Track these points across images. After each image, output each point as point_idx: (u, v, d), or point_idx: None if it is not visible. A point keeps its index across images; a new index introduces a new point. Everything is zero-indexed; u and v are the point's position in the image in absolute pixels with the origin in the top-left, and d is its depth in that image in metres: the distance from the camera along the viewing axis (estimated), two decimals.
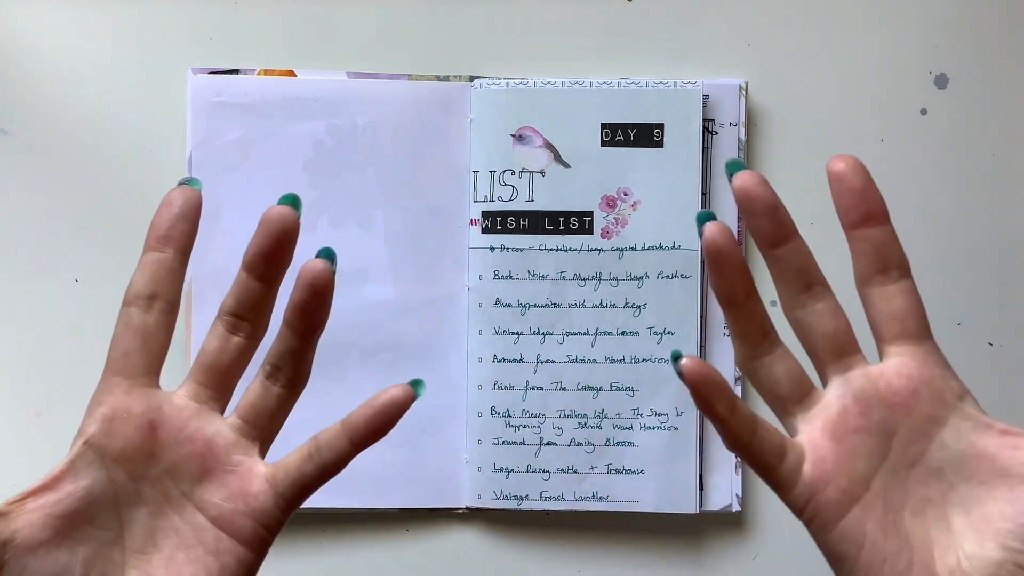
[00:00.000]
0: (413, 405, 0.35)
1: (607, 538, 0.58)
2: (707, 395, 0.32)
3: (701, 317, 0.57)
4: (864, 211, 0.33)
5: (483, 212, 0.57)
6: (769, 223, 0.33)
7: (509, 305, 0.57)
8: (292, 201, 0.34)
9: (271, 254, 0.34)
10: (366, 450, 0.35)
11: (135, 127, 0.58)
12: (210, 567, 0.33)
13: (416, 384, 0.35)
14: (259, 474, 0.35)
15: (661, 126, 0.57)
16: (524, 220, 0.57)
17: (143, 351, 0.34)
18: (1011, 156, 0.59)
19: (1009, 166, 0.59)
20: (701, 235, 0.33)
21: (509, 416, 0.57)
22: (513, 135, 0.57)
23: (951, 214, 0.58)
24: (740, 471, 0.57)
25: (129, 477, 0.33)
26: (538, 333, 0.57)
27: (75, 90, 0.58)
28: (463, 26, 0.58)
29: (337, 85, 0.57)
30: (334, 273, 0.34)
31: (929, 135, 0.58)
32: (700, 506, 0.57)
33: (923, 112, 0.58)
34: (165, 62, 0.58)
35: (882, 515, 0.32)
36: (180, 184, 0.35)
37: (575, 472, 0.57)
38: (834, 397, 0.33)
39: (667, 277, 0.57)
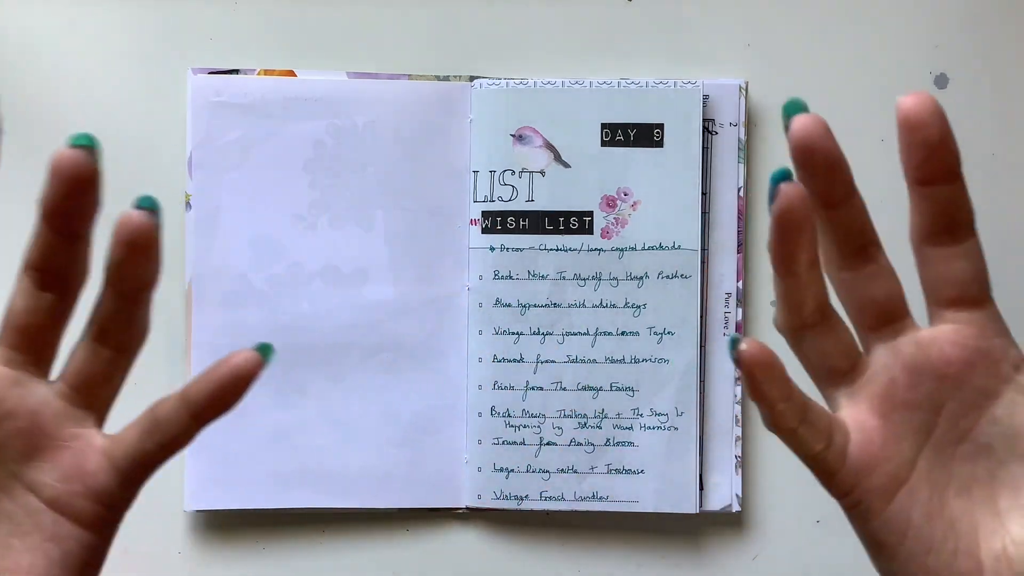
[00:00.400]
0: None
1: (607, 538, 0.58)
2: (763, 382, 0.29)
3: (701, 317, 0.57)
4: (936, 167, 0.28)
5: (483, 212, 0.57)
6: (827, 183, 0.29)
7: (509, 305, 0.57)
8: (87, 141, 0.28)
9: (67, 206, 0.28)
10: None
11: (135, 127, 0.58)
12: (50, 554, 0.29)
13: (264, 350, 0.30)
14: (96, 448, 0.30)
15: (661, 126, 0.57)
16: (524, 220, 0.57)
17: None
18: (1011, 156, 0.59)
19: (1009, 166, 0.59)
20: (773, 197, 0.28)
21: (509, 416, 0.57)
22: (513, 135, 0.57)
23: None
24: (740, 471, 0.57)
25: None
26: (538, 333, 0.57)
27: (75, 90, 0.57)
28: (463, 26, 0.58)
29: (337, 85, 0.57)
30: (157, 225, 0.29)
31: None
32: (700, 506, 0.57)
33: None
34: (165, 62, 0.58)
35: (927, 498, 0.30)
36: (70, 144, 0.28)
37: (575, 472, 0.57)
38: (882, 367, 0.30)
39: (667, 277, 0.57)
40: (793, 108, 0.29)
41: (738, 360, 0.29)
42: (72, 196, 0.28)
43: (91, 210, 0.29)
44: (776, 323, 0.31)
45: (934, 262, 0.29)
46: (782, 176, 0.28)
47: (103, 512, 0.30)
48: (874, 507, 0.30)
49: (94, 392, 0.31)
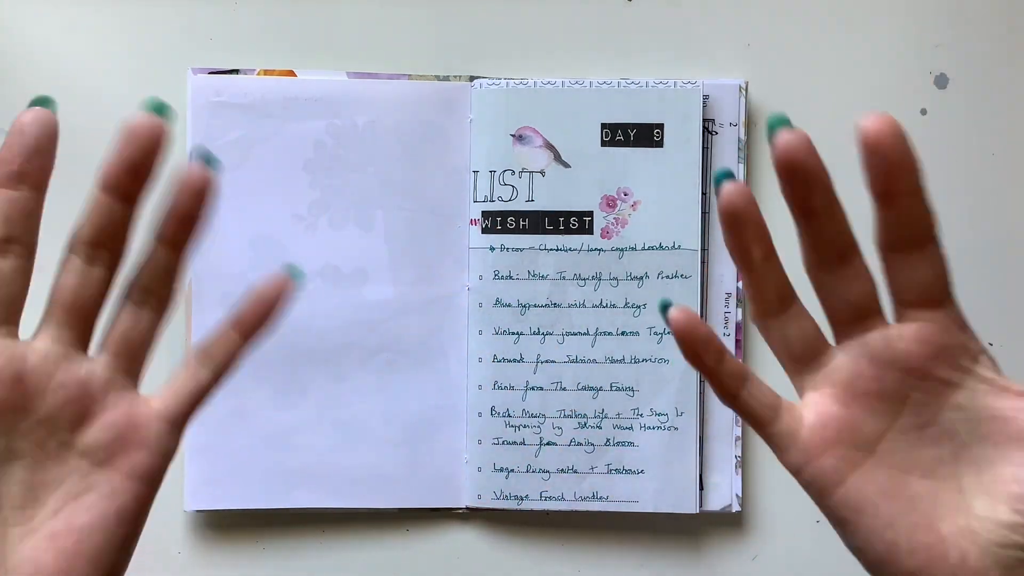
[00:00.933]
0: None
1: (607, 538, 0.58)
2: (693, 345, 0.32)
3: (701, 317, 0.57)
4: (898, 184, 0.30)
5: (483, 212, 0.57)
6: (806, 195, 0.30)
7: (509, 305, 0.57)
8: (159, 108, 0.30)
9: (139, 168, 0.30)
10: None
11: None
12: (106, 510, 0.31)
13: (293, 270, 0.33)
14: (141, 404, 0.32)
15: (661, 126, 0.57)
16: (524, 220, 0.57)
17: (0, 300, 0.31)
18: (1011, 156, 0.59)
19: (1009, 166, 0.59)
20: (718, 194, 0.31)
21: (509, 416, 0.57)
22: (513, 135, 0.57)
23: (951, 214, 0.58)
24: (740, 471, 0.57)
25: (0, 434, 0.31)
26: (538, 333, 0.57)
27: (75, 90, 0.57)
28: (463, 26, 0.58)
29: (337, 85, 0.57)
30: (215, 178, 0.31)
31: (929, 135, 0.58)
32: (700, 506, 0.57)
33: (923, 112, 0.58)
34: (165, 62, 0.58)
35: (886, 478, 0.32)
36: (31, 105, 0.30)
37: (575, 472, 0.57)
38: (848, 360, 0.32)
39: (667, 277, 0.57)
40: (777, 123, 0.31)
41: (668, 324, 0.32)
42: (146, 161, 0.30)
43: (152, 174, 0.31)
44: (749, 314, 0.34)
45: (897, 267, 0.31)
46: (723, 176, 0.31)
47: (156, 461, 0.32)
48: (827, 485, 0.32)
49: (134, 356, 0.32)
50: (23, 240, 0.31)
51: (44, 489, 0.31)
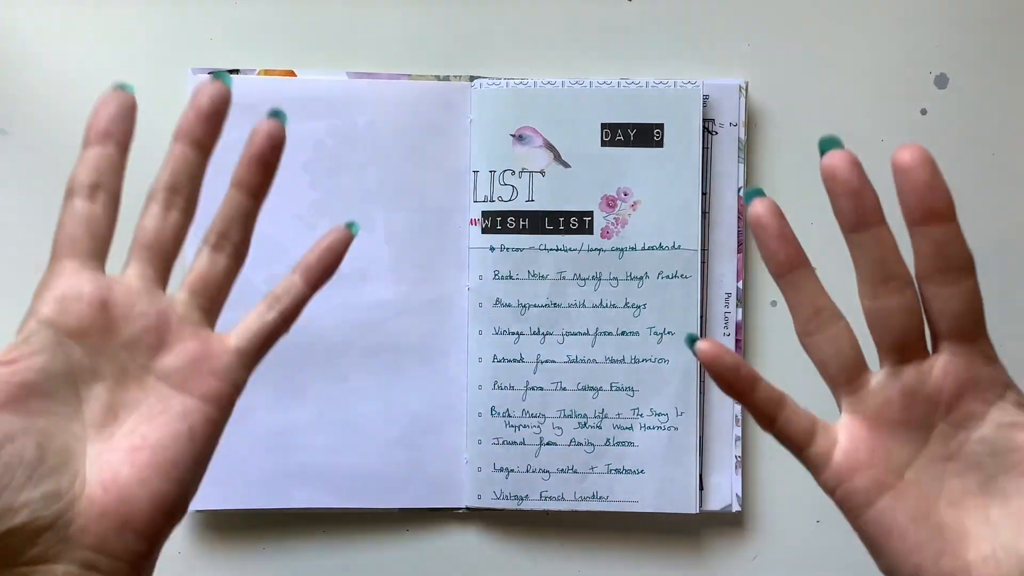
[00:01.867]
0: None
1: (607, 538, 0.58)
2: (724, 375, 0.33)
3: (701, 317, 0.57)
4: (929, 208, 0.31)
5: (483, 212, 0.57)
6: (850, 205, 0.32)
7: (509, 305, 0.57)
8: (225, 78, 0.36)
9: (212, 118, 0.36)
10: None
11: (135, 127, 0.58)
12: (179, 429, 0.34)
13: (351, 225, 0.38)
14: (216, 337, 0.36)
15: (661, 126, 0.57)
16: (524, 220, 0.57)
17: (89, 236, 0.34)
18: (1011, 156, 0.59)
19: (1009, 166, 0.59)
20: (748, 212, 0.33)
21: (509, 416, 0.57)
22: (513, 135, 0.57)
23: None
24: (740, 471, 0.57)
25: (85, 354, 0.33)
26: (538, 333, 0.57)
27: (75, 90, 0.57)
28: (463, 26, 0.58)
29: (337, 85, 0.57)
30: (283, 129, 0.37)
31: (929, 135, 0.58)
32: (700, 506, 0.57)
33: (923, 112, 0.58)
34: (165, 62, 0.58)
35: (914, 504, 0.33)
36: (114, 88, 0.36)
37: (575, 472, 0.57)
38: (880, 387, 0.33)
39: (667, 277, 0.57)
40: (829, 144, 0.33)
41: (696, 356, 0.34)
42: (217, 114, 0.36)
43: (219, 126, 0.36)
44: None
45: (931, 298, 0.33)
46: (755, 193, 0.34)
47: (226, 388, 0.35)
48: (858, 505, 0.33)
49: (210, 295, 0.36)
50: (109, 188, 0.35)
51: (124, 408, 0.34)
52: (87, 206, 0.34)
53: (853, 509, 0.33)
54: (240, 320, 0.37)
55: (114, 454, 0.33)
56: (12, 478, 0.30)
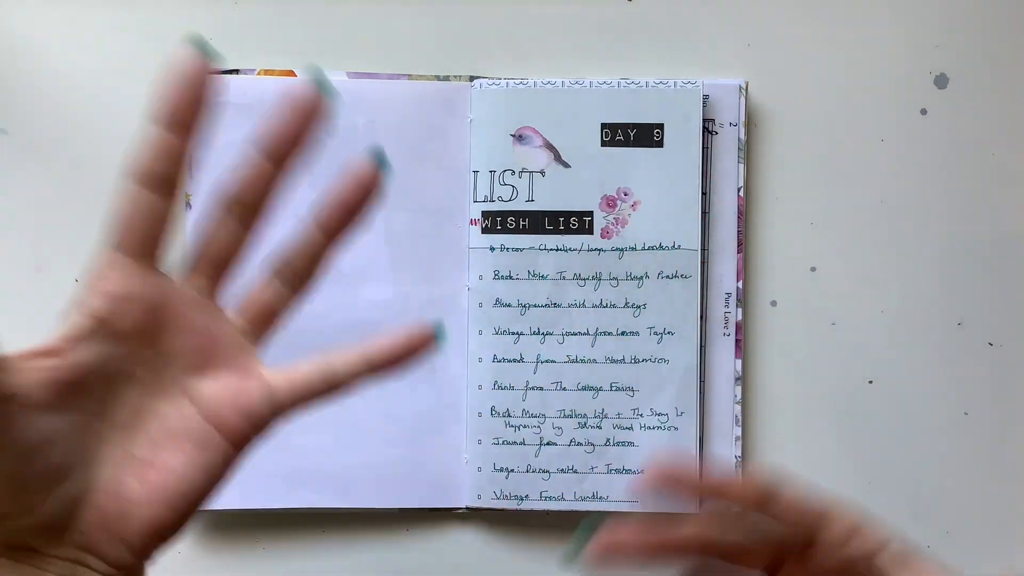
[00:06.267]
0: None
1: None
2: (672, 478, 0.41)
3: (701, 317, 0.57)
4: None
5: (483, 212, 0.57)
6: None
7: (509, 305, 0.57)
8: (324, 86, 0.34)
9: (294, 131, 0.33)
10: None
11: (135, 127, 0.58)
12: (196, 460, 0.32)
13: (440, 330, 0.34)
14: (257, 374, 0.34)
15: (661, 126, 0.57)
16: (524, 220, 0.57)
17: (151, 232, 0.32)
18: (1011, 156, 0.59)
19: (1009, 166, 0.59)
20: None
21: (509, 416, 0.57)
22: (513, 135, 0.57)
23: (951, 214, 0.58)
24: (739, 472, 0.57)
25: (127, 356, 0.32)
26: (538, 333, 0.57)
27: (75, 90, 0.58)
28: (463, 26, 0.58)
29: (337, 85, 0.57)
30: (385, 181, 0.34)
31: (929, 135, 0.58)
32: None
33: (923, 112, 0.59)
34: (165, 62, 0.58)
35: None
36: (193, 49, 0.32)
37: (575, 472, 0.57)
38: None
39: (667, 277, 0.57)
40: (586, 532, 0.38)
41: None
42: (299, 123, 0.33)
43: (304, 141, 0.34)
44: None
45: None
46: (589, 529, 0.38)
47: (250, 431, 0.33)
48: None
49: (264, 326, 0.34)
50: (177, 181, 0.32)
51: (150, 417, 0.32)
52: (149, 197, 0.31)
53: None
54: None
55: (128, 464, 0.32)
56: (39, 482, 0.30)
